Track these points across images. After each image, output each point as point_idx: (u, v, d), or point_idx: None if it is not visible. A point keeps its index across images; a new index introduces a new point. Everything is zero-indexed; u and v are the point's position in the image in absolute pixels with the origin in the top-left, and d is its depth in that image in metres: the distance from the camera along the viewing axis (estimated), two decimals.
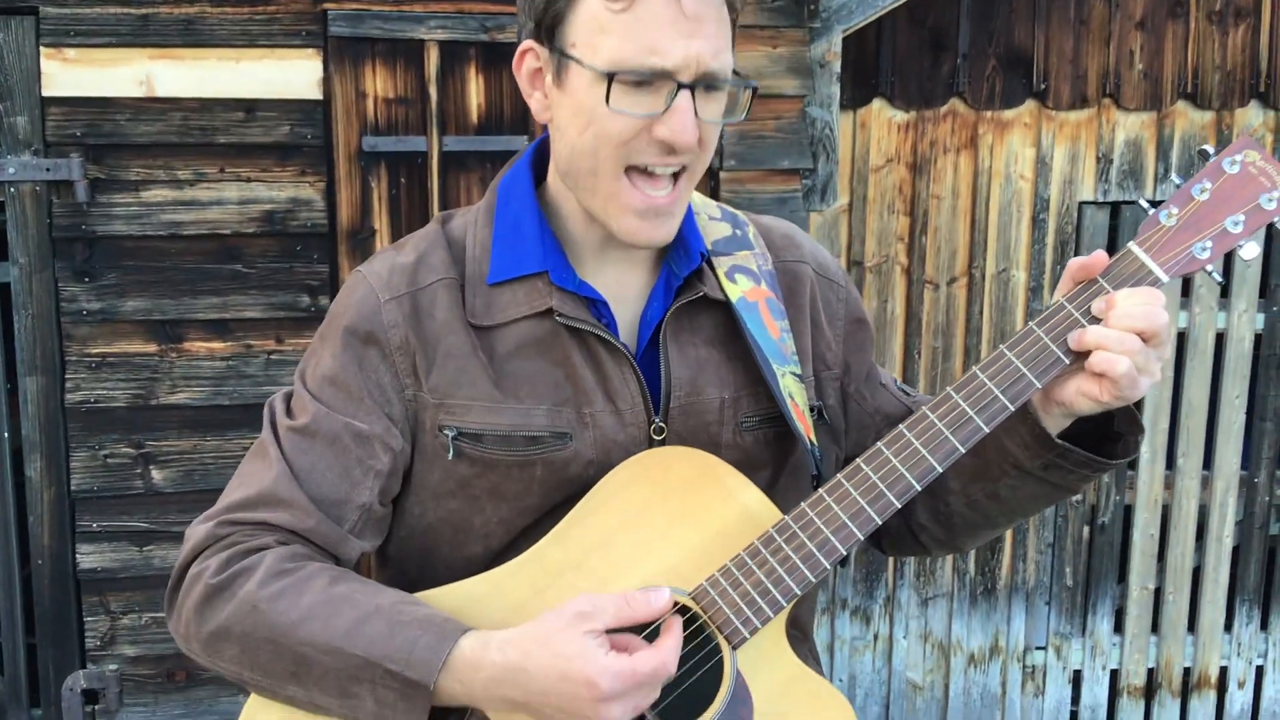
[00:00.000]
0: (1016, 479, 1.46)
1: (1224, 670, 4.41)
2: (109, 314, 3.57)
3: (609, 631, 1.26)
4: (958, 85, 3.97)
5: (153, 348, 3.62)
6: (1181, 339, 4.10)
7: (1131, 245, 1.39)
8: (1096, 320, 1.35)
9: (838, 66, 3.71)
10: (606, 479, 1.38)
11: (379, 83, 3.58)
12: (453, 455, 1.39)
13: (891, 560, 4.19)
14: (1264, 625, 4.41)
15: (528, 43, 1.38)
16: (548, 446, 1.39)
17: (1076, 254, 4.01)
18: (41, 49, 3.43)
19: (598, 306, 1.42)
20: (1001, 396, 1.36)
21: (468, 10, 3.57)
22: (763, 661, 1.36)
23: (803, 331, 1.52)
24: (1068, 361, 1.35)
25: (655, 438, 1.42)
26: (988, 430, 1.36)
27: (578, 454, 1.40)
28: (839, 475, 1.37)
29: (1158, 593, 4.32)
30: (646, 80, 1.29)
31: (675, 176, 1.36)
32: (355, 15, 3.53)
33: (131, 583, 3.71)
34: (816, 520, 1.35)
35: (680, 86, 1.29)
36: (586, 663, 1.22)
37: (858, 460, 1.37)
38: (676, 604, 1.32)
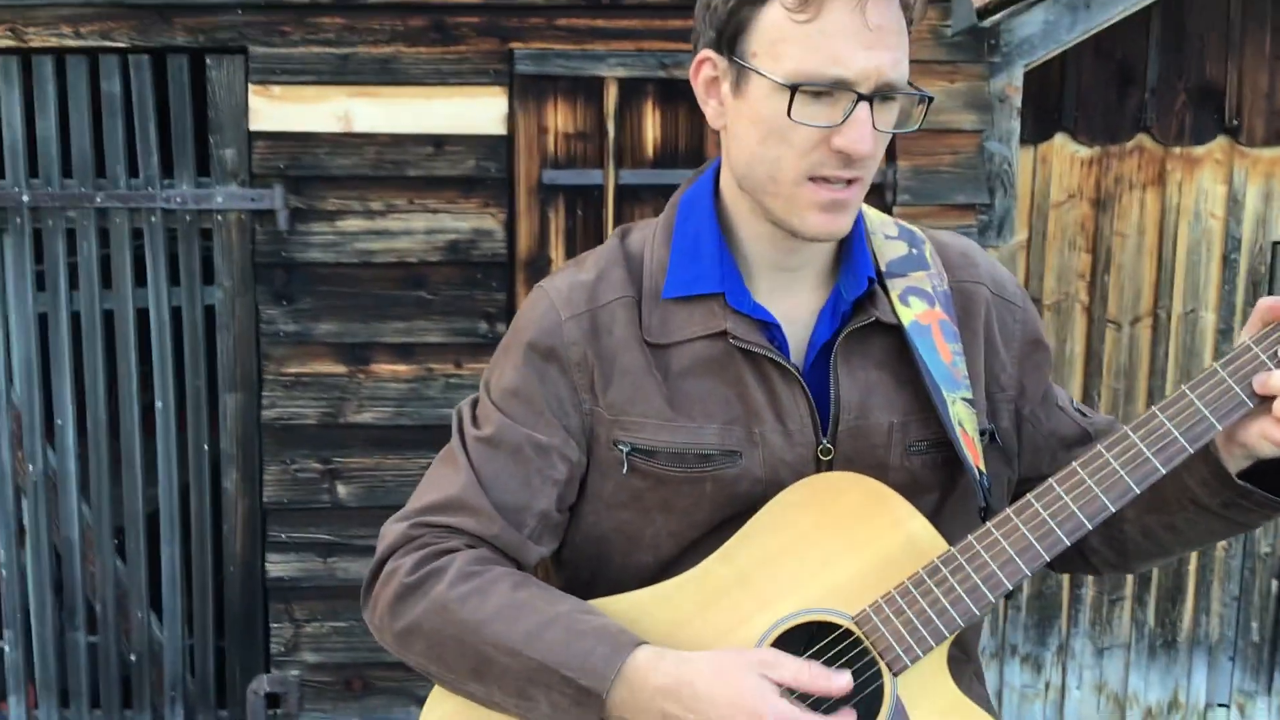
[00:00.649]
0: (1194, 513, 1.43)
1: None
2: (304, 336, 3.78)
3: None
4: (1145, 120, 3.88)
5: (342, 369, 3.81)
6: None
7: None
8: None
9: (1018, 101, 3.67)
10: (775, 500, 1.40)
11: (559, 118, 3.71)
12: (627, 470, 1.44)
13: (1066, 607, 4.07)
14: None
15: (706, 52, 1.40)
16: (718, 464, 1.42)
17: (1270, 294, 3.86)
18: (250, 86, 3.67)
19: (770, 329, 1.44)
20: (1181, 438, 1.33)
21: (647, 48, 3.67)
22: (923, 690, 1.37)
23: (976, 354, 1.51)
24: (1251, 404, 1.33)
25: (822, 458, 1.43)
26: (1164, 471, 1.34)
27: (747, 471, 1.42)
28: (1008, 510, 1.37)
29: None
30: (827, 91, 1.30)
31: (849, 182, 1.38)
32: (540, 54, 3.67)
33: (315, 592, 3.89)
34: (984, 554, 1.35)
35: (860, 97, 1.30)
36: (760, 699, 1.26)
37: (1029, 495, 1.37)
38: (832, 629, 1.35)
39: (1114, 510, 1.34)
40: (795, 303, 1.47)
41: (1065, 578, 4.10)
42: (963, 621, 1.34)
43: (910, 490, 1.42)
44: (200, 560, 3.96)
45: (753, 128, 1.36)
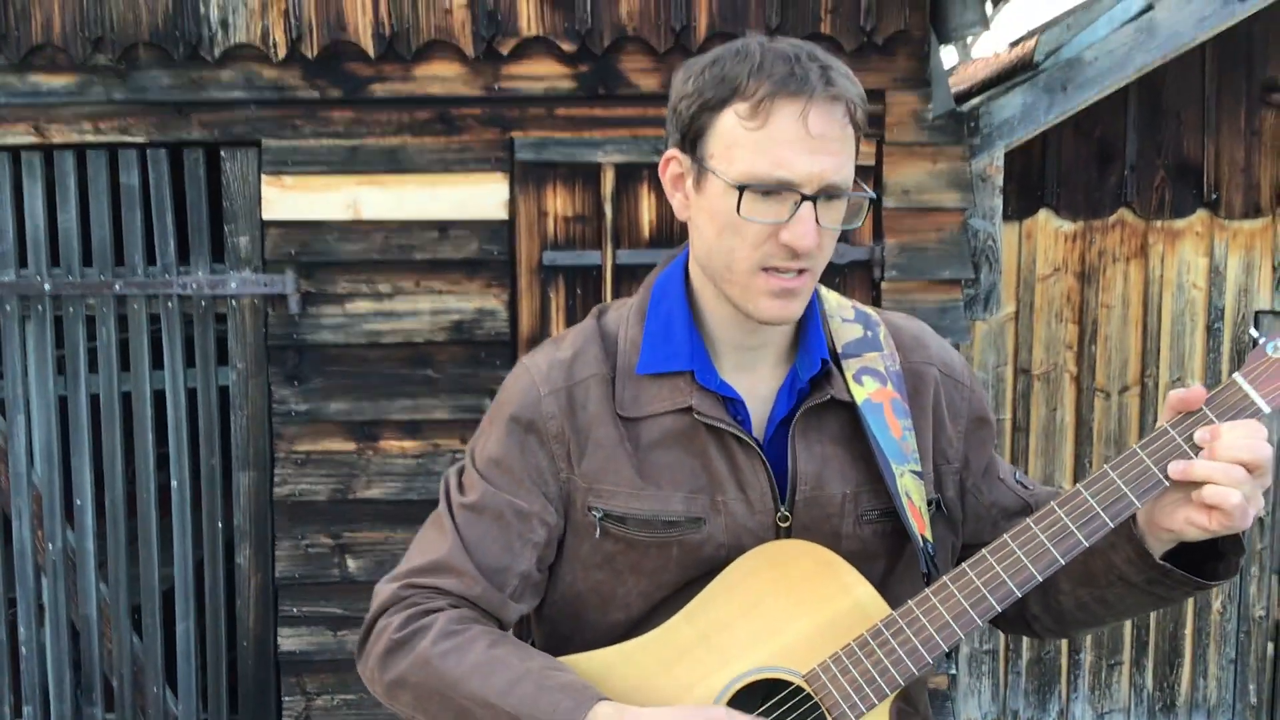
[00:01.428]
0: (1122, 589, 1.53)
1: None
2: (315, 415, 3.91)
3: None
4: (1126, 195, 4.01)
5: (351, 446, 3.93)
6: None
7: (1236, 376, 1.44)
8: (1198, 449, 1.41)
9: (1000, 180, 3.80)
10: (733, 565, 1.51)
11: (559, 202, 3.86)
12: (600, 534, 1.55)
13: (1065, 672, 4.13)
14: None
15: (672, 150, 1.55)
16: (684, 529, 1.54)
17: None
18: (263, 177, 3.83)
19: (734, 404, 1.56)
20: (1103, 514, 1.43)
21: (641, 135, 3.83)
22: None
23: (924, 429, 1.63)
24: (1167, 484, 1.42)
25: (781, 525, 1.54)
26: (1087, 544, 1.44)
27: (711, 537, 1.54)
28: (945, 578, 1.48)
29: None
30: (774, 190, 1.44)
31: (799, 271, 1.50)
32: (539, 142, 3.83)
33: (326, 665, 3.99)
34: (922, 618, 1.46)
35: (804, 198, 1.43)
36: None
37: (964, 564, 1.47)
38: (783, 686, 1.45)
39: (1041, 579, 1.44)
40: (756, 380, 1.59)
41: (1064, 643, 4.16)
42: (903, 680, 1.45)
43: (861, 556, 1.53)
44: (214, 635, 4.06)
45: (711, 221, 1.49)
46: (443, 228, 3.87)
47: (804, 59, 1.44)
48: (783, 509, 1.55)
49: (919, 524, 1.55)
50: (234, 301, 3.89)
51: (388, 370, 3.93)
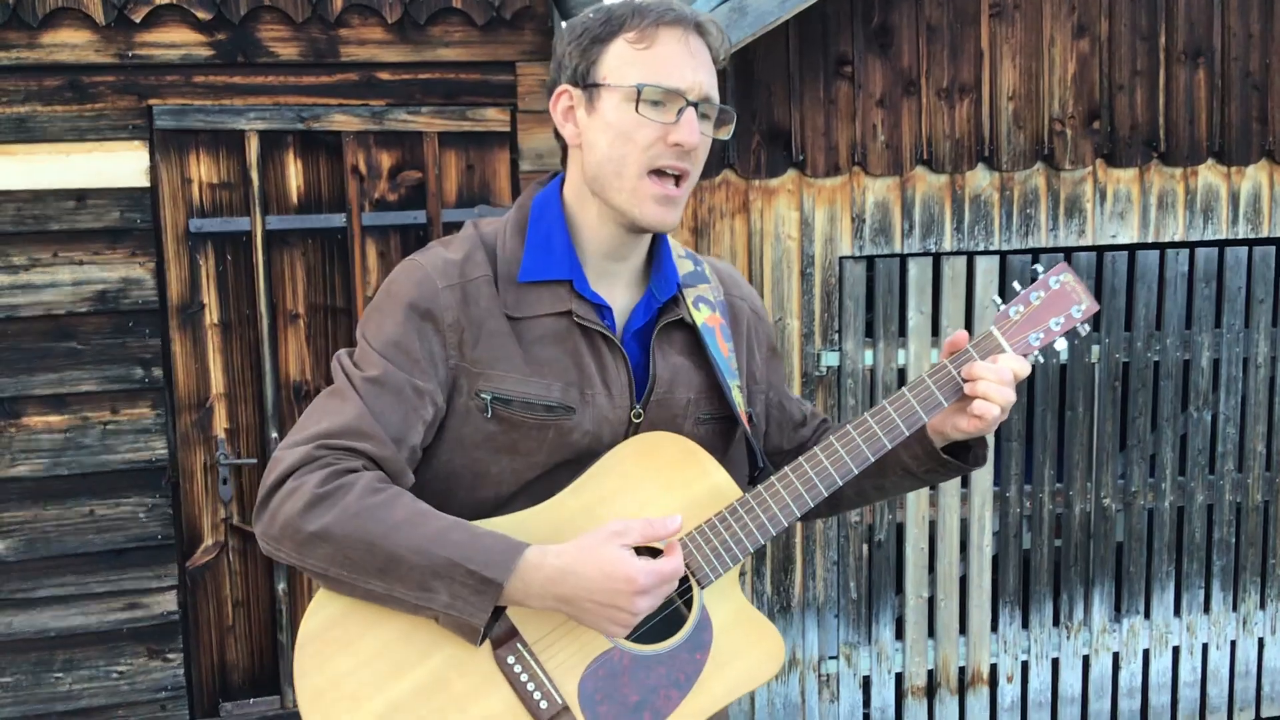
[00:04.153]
0: (901, 477, 1.99)
1: (994, 667, 4.95)
2: None
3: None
4: (729, 158, 4.50)
5: None
6: None
7: (992, 328, 1.90)
8: (965, 380, 1.86)
9: None
10: (614, 450, 1.78)
11: (203, 169, 3.91)
12: (489, 415, 1.75)
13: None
14: (1025, 624, 4.98)
15: (563, 86, 1.79)
16: (559, 415, 1.76)
17: (840, 303, 4.56)
18: None
19: (604, 312, 1.81)
20: (901, 425, 1.86)
21: (283, 102, 3.94)
22: (721, 598, 1.79)
23: (740, 352, 1.97)
24: (946, 404, 1.87)
25: (634, 420, 1.82)
26: (890, 447, 1.85)
27: (579, 424, 1.77)
28: (785, 468, 1.83)
29: (931, 601, 4.84)
30: (661, 101, 1.71)
31: (680, 180, 1.76)
32: (178, 110, 3.86)
33: None
34: (769, 500, 1.80)
35: (688, 103, 1.71)
36: (626, 564, 1.61)
37: (800, 459, 1.83)
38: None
39: (856, 472, 1.84)
40: (616, 294, 1.86)
41: None
42: (751, 548, 1.78)
43: None
44: None
45: (603, 135, 1.74)
46: (80, 197, 3.83)
47: (674, 5, 1.74)
48: (638, 406, 1.82)
49: (747, 425, 1.90)
50: None
51: (28, 344, 3.85)
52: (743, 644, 1.79)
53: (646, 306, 1.86)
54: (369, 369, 1.74)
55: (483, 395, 1.75)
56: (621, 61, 1.73)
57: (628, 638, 1.73)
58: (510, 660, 1.69)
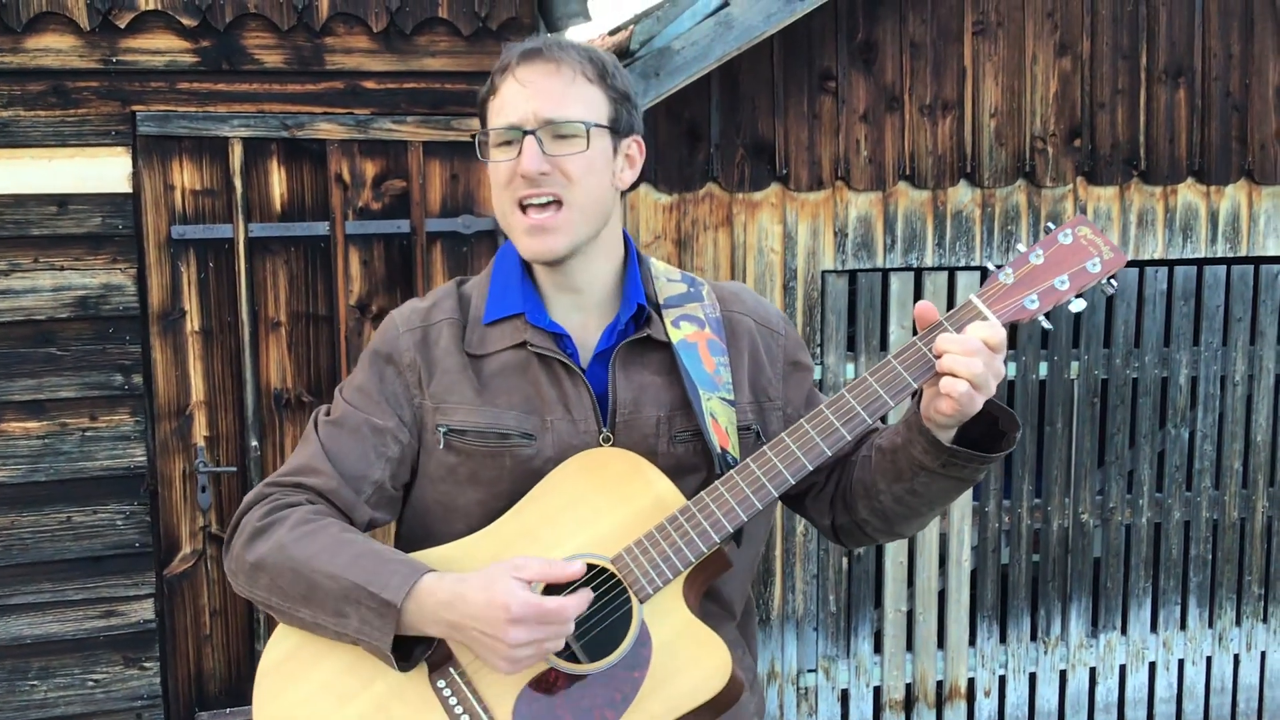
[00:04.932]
0: (926, 477, 1.79)
1: (971, 681, 4.97)
2: None
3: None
4: (713, 171, 4.52)
5: None
6: None
7: (972, 297, 1.68)
8: (937, 355, 1.67)
9: None
10: (556, 470, 1.77)
11: (186, 176, 3.89)
12: (443, 446, 1.80)
13: None
14: (1003, 639, 5.00)
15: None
16: (515, 442, 1.79)
17: (822, 317, 4.58)
18: None
19: (563, 340, 1.83)
20: (863, 412, 1.71)
21: (268, 110, 3.93)
22: (663, 614, 1.74)
23: (740, 367, 1.92)
24: (916, 386, 1.70)
25: (604, 444, 1.81)
26: (850, 439, 1.71)
27: (540, 451, 1.79)
28: (731, 471, 1.74)
29: (910, 615, 4.86)
30: (508, 141, 1.76)
31: (557, 206, 1.76)
32: (162, 116, 3.85)
33: None
34: (711, 505, 1.72)
35: (525, 133, 1.74)
36: (505, 592, 1.60)
37: (747, 460, 1.75)
38: (593, 568, 1.71)
39: (810, 468, 1.70)
40: (583, 321, 1.87)
41: None
42: (693, 558, 1.71)
43: (679, 470, 1.81)
44: None
45: (491, 184, 1.82)
46: (62, 202, 3.82)
47: (522, 45, 1.78)
48: (605, 430, 1.82)
49: (720, 438, 1.82)
50: None
51: (7, 350, 3.82)
52: (685, 660, 1.73)
53: (613, 330, 1.87)
54: (333, 414, 1.86)
55: (440, 429, 1.81)
56: (486, 115, 1.82)
57: (565, 656, 1.71)
58: (441, 685, 1.71)
